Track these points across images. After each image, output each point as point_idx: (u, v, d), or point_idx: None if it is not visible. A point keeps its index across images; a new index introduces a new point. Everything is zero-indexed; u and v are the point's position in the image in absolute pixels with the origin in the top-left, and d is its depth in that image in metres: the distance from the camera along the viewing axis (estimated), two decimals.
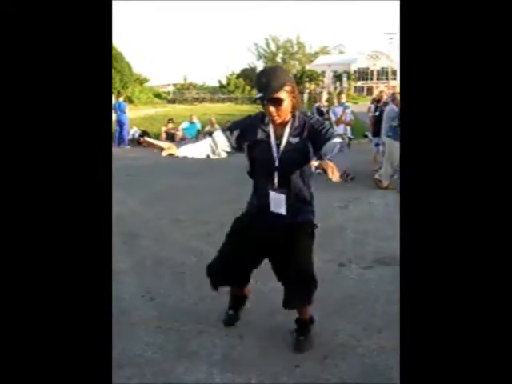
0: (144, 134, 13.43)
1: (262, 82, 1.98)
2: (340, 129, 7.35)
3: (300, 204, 2.25)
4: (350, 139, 7.45)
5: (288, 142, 2.13)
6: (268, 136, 2.17)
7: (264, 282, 3.24)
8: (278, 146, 2.15)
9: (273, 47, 57.80)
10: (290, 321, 2.77)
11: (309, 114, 2.23)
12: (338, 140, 2.00)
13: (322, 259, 3.83)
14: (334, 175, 1.68)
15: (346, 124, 7.41)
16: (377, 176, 6.76)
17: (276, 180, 2.20)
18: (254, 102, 2.08)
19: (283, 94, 2.00)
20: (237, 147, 2.24)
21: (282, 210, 2.21)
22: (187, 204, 5.76)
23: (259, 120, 2.20)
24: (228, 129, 2.27)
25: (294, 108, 2.09)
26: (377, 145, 7.76)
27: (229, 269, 2.40)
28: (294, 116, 2.12)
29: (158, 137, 12.92)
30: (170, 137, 12.58)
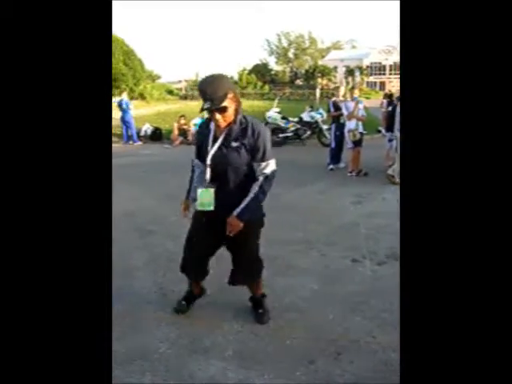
0: (156, 130, 13.44)
1: (207, 93, 2.14)
2: (352, 124, 7.30)
3: (239, 198, 2.37)
4: (361, 134, 7.40)
5: (224, 144, 2.32)
6: (207, 137, 2.39)
7: (275, 280, 3.25)
8: (214, 146, 2.35)
9: (284, 43, 57.53)
10: (303, 317, 2.77)
11: (253, 119, 2.38)
12: (266, 171, 2.32)
13: (335, 255, 3.82)
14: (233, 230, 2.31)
15: (358, 119, 7.34)
16: (390, 171, 6.71)
17: (208, 176, 2.41)
18: (202, 111, 2.25)
19: (227, 102, 2.19)
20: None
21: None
22: None
23: (205, 126, 2.46)
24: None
25: (236, 112, 2.28)
26: (390, 140, 7.68)
27: (193, 263, 2.73)
28: (235, 121, 2.29)
29: (170, 133, 12.95)
30: (183, 133, 12.57)
